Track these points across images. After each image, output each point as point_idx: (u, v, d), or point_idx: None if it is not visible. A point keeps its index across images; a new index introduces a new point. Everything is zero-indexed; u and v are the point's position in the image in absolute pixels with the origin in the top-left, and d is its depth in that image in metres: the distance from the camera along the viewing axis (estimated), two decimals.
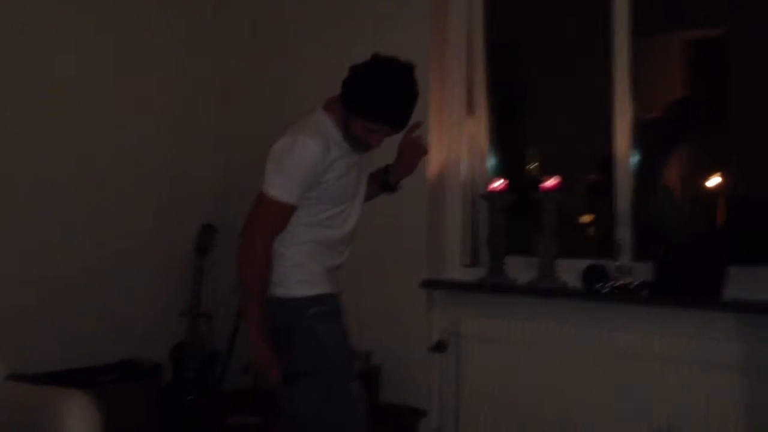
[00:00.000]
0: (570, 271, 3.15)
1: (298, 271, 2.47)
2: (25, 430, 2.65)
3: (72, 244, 3.64)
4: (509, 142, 3.73)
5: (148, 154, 3.95)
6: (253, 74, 4.16)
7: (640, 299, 2.95)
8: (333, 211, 2.49)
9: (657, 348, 2.85)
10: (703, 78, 3.62)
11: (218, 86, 4.27)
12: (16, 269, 3.43)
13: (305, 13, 3.93)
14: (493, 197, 3.35)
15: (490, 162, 3.60)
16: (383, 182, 2.72)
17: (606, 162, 3.25)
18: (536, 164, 3.56)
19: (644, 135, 3.21)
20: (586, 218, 3.66)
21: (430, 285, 3.45)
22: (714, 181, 3.12)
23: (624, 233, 3.14)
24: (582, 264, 3.10)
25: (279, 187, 2.39)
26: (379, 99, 2.36)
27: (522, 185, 3.36)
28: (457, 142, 3.58)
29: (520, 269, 3.32)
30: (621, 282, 3.00)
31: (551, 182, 3.16)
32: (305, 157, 2.38)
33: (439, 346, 3.41)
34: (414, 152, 2.69)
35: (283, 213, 2.42)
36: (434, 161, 3.48)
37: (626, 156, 3.17)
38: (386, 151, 2.60)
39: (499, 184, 3.34)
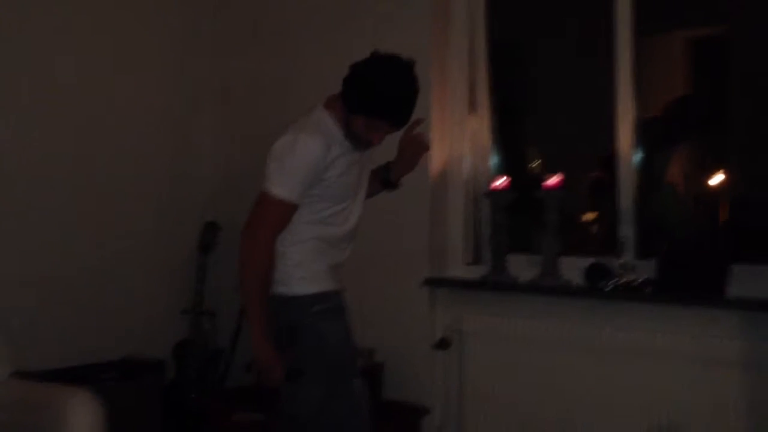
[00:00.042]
0: (573, 268, 3.14)
1: (301, 269, 2.47)
2: (29, 428, 2.66)
3: (75, 243, 3.65)
4: (512, 141, 3.73)
5: (147, 153, 3.95)
6: (253, 74, 4.15)
7: (643, 297, 2.94)
8: (335, 209, 2.49)
9: (660, 345, 2.85)
10: (705, 77, 3.62)
11: (218, 86, 4.26)
12: (20, 268, 3.44)
13: (305, 12, 3.93)
14: (496, 195, 3.35)
15: (493, 160, 3.60)
16: (384, 179, 2.72)
17: (608, 160, 3.25)
18: (538, 162, 3.56)
19: (646, 133, 3.21)
20: (588, 216, 3.66)
21: (433, 283, 3.45)
22: (717, 178, 3.12)
23: (627, 231, 3.13)
24: (585, 262, 3.10)
25: (280, 186, 2.39)
26: (379, 96, 2.37)
27: (524, 183, 3.36)
28: (460, 140, 3.58)
29: (522, 267, 3.32)
30: (624, 280, 3.00)
31: (553, 180, 3.16)
32: (306, 156, 2.38)
33: (442, 344, 3.41)
34: (415, 149, 2.69)
35: (285, 211, 2.42)
36: (437, 159, 3.48)
37: (629, 154, 3.17)
38: (388, 148, 2.60)
39: (501, 182, 3.34)
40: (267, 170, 2.43)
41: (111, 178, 3.79)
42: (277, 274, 2.45)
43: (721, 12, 3.50)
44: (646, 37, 3.27)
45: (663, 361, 2.83)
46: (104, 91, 3.77)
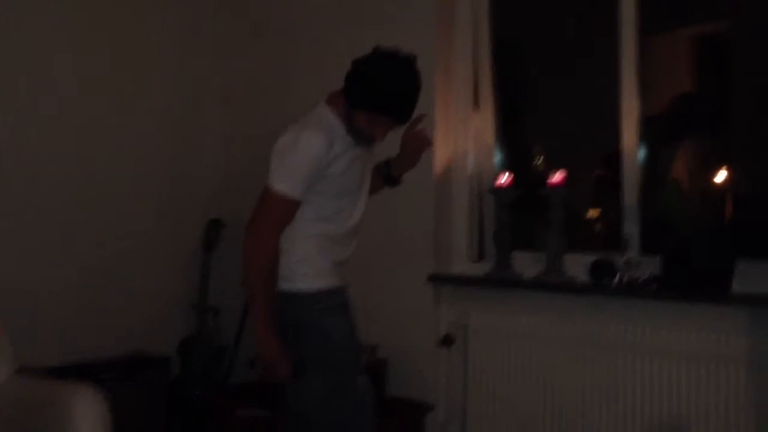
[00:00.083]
0: (577, 265, 3.14)
1: (305, 265, 2.47)
2: (34, 424, 2.66)
3: (79, 240, 3.65)
4: (515, 138, 3.73)
5: (148, 153, 3.95)
6: (253, 74, 4.15)
7: (648, 293, 2.94)
8: (338, 205, 2.49)
9: (664, 342, 2.85)
10: (710, 74, 3.61)
11: (218, 86, 4.26)
12: (24, 265, 3.44)
13: (306, 12, 3.92)
14: (500, 193, 3.35)
15: (497, 157, 3.59)
16: (386, 175, 2.72)
17: (613, 157, 3.24)
18: (541, 157, 3.55)
19: (651, 130, 3.20)
20: (593, 213, 3.65)
21: (437, 279, 3.45)
22: (721, 175, 3.10)
23: (631, 228, 3.13)
24: (589, 259, 3.10)
25: (283, 182, 2.39)
26: (381, 92, 2.36)
27: (528, 180, 3.36)
28: (464, 137, 3.58)
29: (526, 264, 3.32)
30: (628, 276, 2.99)
31: (557, 178, 3.15)
32: (308, 153, 2.38)
33: (446, 341, 3.41)
34: (417, 145, 2.68)
35: (288, 208, 2.42)
36: (441, 156, 3.48)
37: (633, 151, 3.16)
38: (390, 144, 2.60)
39: (505, 178, 3.33)
40: (270, 167, 2.43)
41: (113, 178, 3.78)
42: (281, 271, 2.45)
43: (725, 9, 3.49)
44: (650, 34, 3.26)
45: (667, 358, 2.83)
46: (104, 91, 3.76)
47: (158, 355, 3.73)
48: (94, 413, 2.61)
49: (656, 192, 3.17)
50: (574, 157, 3.52)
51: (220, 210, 4.10)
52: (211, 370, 3.88)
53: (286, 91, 3.92)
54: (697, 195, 3.16)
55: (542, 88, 3.92)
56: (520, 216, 3.40)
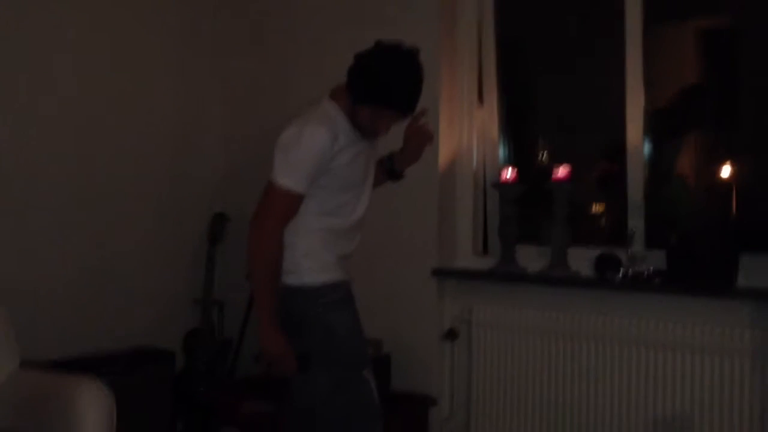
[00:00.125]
0: (582, 259, 3.14)
1: (309, 259, 2.47)
2: (39, 418, 2.67)
3: (84, 235, 3.65)
4: (520, 133, 3.72)
5: (148, 153, 3.92)
6: (253, 74, 4.14)
7: (653, 287, 2.94)
8: (342, 199, 2.49)
9: (669, 336, 2.85)
10: (716, 67, 3.59)
11: (218, 86, 4.24)
12: (27, 261, 3.45)
13: (307, 12, 3.91)
14: (504, 188, 3.34)
15: (501, 152, 3.59)
16: (389, 169, 2.72)
17: (618, 151, 3.23)
18: (545, 152, 3.55)
19: (656, 124, 3.19)
20: (597, 207, 3.65)
21: (441, 273, 3.45)
22: (727, 169, 3.10)
23: (636, 222, 3.13)
24: (594, 253, 3.10)
25: (287, 176, 2.39)
26: (385, 85, 2.36)
27: (533, 175, 3.35)
28: (468, 131, 3.57)
29: (531, 258, 3.32)
30: (633, 270, 2.99)
31: (562, 172, 3.15)
32: (312, 147, 2.38)
33: (450, 335, 3.41)
34: (420, 140, 2.68)
35: (292, 202, 2.42)
36: (445, 150, 3.48)
37: (638, 145, 3.16)
38: (393, 138, 2.60)
39: (509, 173, 3.33)
40: (274, 161, 2.43)
41: (113, 178, 3.76)
42: (285, 265, 2.45)
43: (732, 1, 3.47)
44: (655, 27, 3.25)
45: (672, 352, 2.83)
46: (104, 91, 3.74)
47: (163, 349, 3.74)
48: (99, 407, 2.62)
49: (661, 186, 3.16)
50: (579, 150, 3.51)
51: (226, 203, 4.10)
52: (215, 365, 3.89)
53: (286, 91, 3.91)
54: (702, 189, 3.15)
55: (546, 82, 3.91)
56: (525, 210, 3.40)
